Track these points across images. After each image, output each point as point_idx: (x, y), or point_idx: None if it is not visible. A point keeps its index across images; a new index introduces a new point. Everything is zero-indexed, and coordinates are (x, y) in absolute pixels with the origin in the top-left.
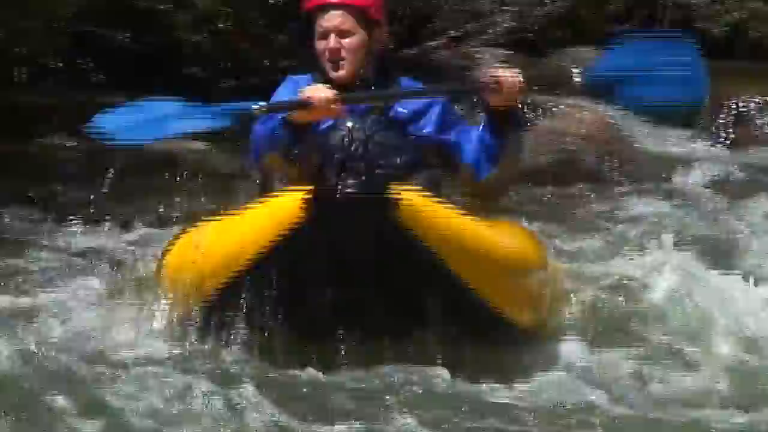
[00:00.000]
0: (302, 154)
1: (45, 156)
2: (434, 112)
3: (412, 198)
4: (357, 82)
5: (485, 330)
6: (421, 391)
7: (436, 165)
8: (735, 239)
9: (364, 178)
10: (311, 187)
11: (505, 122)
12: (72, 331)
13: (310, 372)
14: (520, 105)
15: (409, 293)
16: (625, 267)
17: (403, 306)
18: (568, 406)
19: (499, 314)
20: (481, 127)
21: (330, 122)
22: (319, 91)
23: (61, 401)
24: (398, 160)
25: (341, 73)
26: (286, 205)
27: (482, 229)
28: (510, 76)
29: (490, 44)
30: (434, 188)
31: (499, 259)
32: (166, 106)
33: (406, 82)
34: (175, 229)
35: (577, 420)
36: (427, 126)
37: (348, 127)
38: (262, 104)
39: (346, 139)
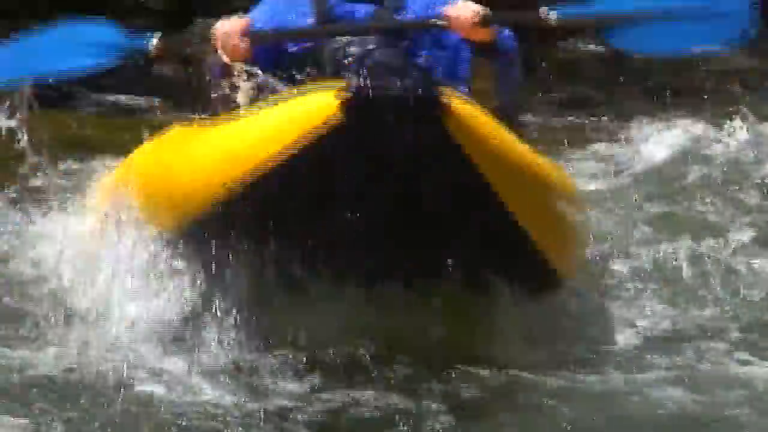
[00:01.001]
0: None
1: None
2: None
3: (461, 104)
4: None
5: (523, 267)
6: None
7: None
8: None
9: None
10: (343, 85)
11: (481, 51)
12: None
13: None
14: (492, 36)
15: (444, 218)
16: None
17: (437, 234)
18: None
19: (537, 248)
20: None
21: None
22: (223, 26)
23: None
24: (397, 84)
25: None
26: (316, 106)
27: (527, 150)
28: (459, 12)
29: None
30: None
31: (544, 186)
32: (45, 39)
33: None
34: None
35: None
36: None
37: (342, 41)
38: (157, 42)
39: (338, 54)
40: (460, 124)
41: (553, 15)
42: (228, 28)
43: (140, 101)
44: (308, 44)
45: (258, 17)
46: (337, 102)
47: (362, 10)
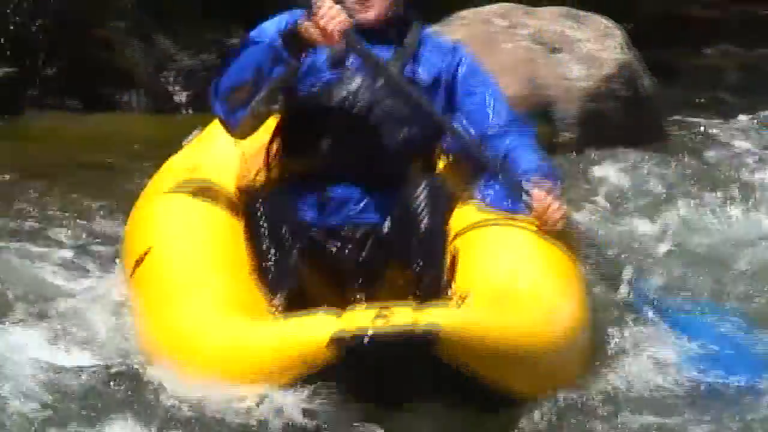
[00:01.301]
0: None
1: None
2: (458, 88)
3: (452, 327)
4: (383, 27)
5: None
6: None
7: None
8: None
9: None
10: (336, 315)
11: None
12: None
13: None
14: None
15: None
16: None
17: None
18: None
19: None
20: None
21: (335, 75)
22: (332, 8)
23: None
24: (403, 133)
25: (369, 14)
26: (308, 344)
27: (528, 334)
28: (546, 210)
29: None
30: (440, 201)
31: (544, 364)
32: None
33: (426, 31)
34: None
35: None
36: (444, 102)
37: (355, 85)
38: None
39: (348, 100)
40: (452, 350)
41: (623, 290)
42: (335, 12)
43: None
44: (315, 88)
45: None
46: (331, 344)
47: (380, 53)
